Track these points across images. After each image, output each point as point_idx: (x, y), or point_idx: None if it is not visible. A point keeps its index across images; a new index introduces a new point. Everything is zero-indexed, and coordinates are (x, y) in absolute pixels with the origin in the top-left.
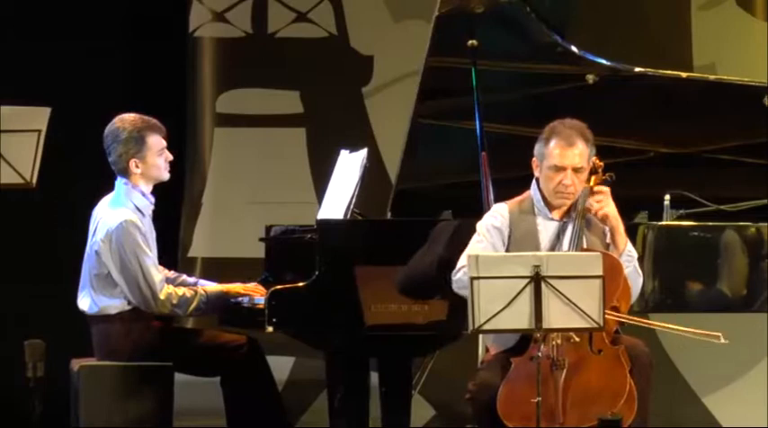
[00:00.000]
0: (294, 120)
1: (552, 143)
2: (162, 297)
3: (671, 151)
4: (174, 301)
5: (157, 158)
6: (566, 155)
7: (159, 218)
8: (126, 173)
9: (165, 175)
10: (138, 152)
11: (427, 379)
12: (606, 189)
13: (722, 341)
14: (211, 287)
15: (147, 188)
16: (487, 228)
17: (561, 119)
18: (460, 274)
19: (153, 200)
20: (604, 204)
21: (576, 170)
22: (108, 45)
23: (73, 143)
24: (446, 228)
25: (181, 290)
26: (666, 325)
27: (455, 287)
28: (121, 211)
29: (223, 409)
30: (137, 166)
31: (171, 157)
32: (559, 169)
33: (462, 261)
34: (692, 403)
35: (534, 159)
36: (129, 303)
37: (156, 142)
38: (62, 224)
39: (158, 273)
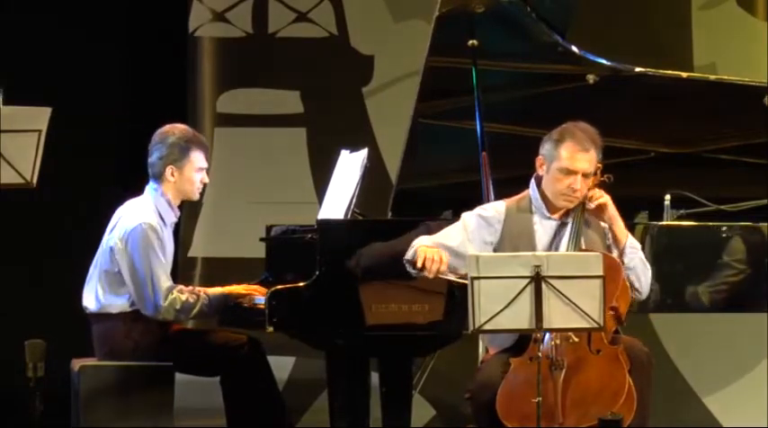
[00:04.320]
0: (294, 120)
1: (565, 145)
2: (165, 304)
3: (671, 151)
4: (177, 307)
5: (195, 174)
6: (579, 159)
7: None
8: (160, 178)
9: (196, 195)
10: (177, 160)
11: (427, 379)
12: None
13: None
14: (213, 290)
15: (175, 201)
16: (470, 217)
17: (562, 118)
18: (410, 251)
19: (178, 213)
20: (596, 197)
21: (586, 175)
22: (108, 45)
23: (73, 143)
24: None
25: (184, 296)
26: None
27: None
28: (144, 214)
29: (223, 409)
30: (172, 174)
31: (207, 180)
32: (570, 172)
33: (419, 240)
34: (692, 403)
35: (540, 158)
36: (133, 304)
37: (199, 159)
38: (62, 224)
39: (167, 281)
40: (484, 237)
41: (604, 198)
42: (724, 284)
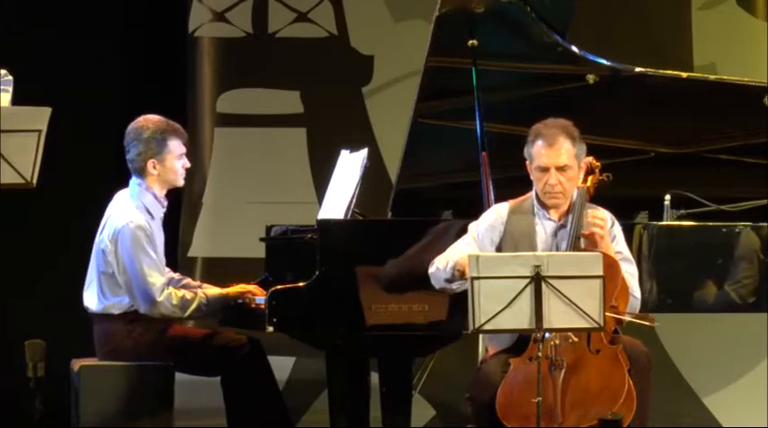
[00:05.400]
0: (294, 120)
1: (536, 144)
2: (161, 299)
3: (671, 151)
4: (174, 302)
5: (176, 162)
6: (549, 154)
7: None
8: (142, 173)
9: (180, 181)
10: (157, 153)
11: (427, 379)
12: (600, 221)
13: (655, 324)
14: (212, 290)
15: (161, 192)
16: (478, 228)
17: (554, 118)
18: (432, 269)
19: (165, 203)
20: (594, 225)
21: (561, 169)
22: (108, 45)
23: (73, 143)
24: (444, 228)
25: (180, 292)
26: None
27: (432, 281)
28: (130, 212)
29: (223, 409)
30: (154, 168)
31: (189, 165)
32: (544, 169)
33: (440, 257)
34: (692, 403)
35: (527, 162)
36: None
37: (177, 147)
38: (62, 224)
39: (160, 277)
40: (492, 239)
41: (601, 230)
42: (723, 284)
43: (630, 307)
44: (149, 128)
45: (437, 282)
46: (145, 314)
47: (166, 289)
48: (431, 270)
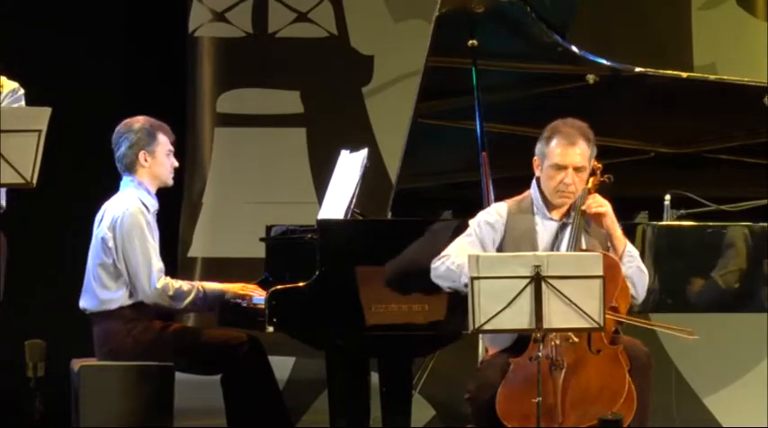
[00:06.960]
0: (294, 120)
1: (554, 142)
2: (158, 285)
3: (671, 151)
4: (170, 293)
5: (165, 157)
6: (567, 154)
7: (159, 218)
8: (133, 167)
9: (170, 180)
10: (148, 144)
11: (427, 379)
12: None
13: (694, 336)
14: (210, 285)
15: (153, 189)
16: (479, 224)
17: (563, 118)
18: (438, 264)
19: (157, 201)
20: (596, 204)
21: (577, 169)
22: (108, 45)
23: (73, 143)
24: (444, 228)
25: (178, 283)
26: (639, 321)
27: (432, 275)
28: (128, 201)
29: (223, 409)
30: (145, 160)
31: (176, 164)
32: (561, 168)
33: (446, 251)
34: (693, 403)
35: (536, 158)
36: (131, 295)
37: (166, 142)
38: (62, 224)
39: (159, 262)
40: (493, 238)
41: (604, 207)
42: (724, 284)
43: (641, 283)
44: (139, 122)
45: (445, 281)
46: (145, 309)
47: (163, 278)
48: (438, 266)
